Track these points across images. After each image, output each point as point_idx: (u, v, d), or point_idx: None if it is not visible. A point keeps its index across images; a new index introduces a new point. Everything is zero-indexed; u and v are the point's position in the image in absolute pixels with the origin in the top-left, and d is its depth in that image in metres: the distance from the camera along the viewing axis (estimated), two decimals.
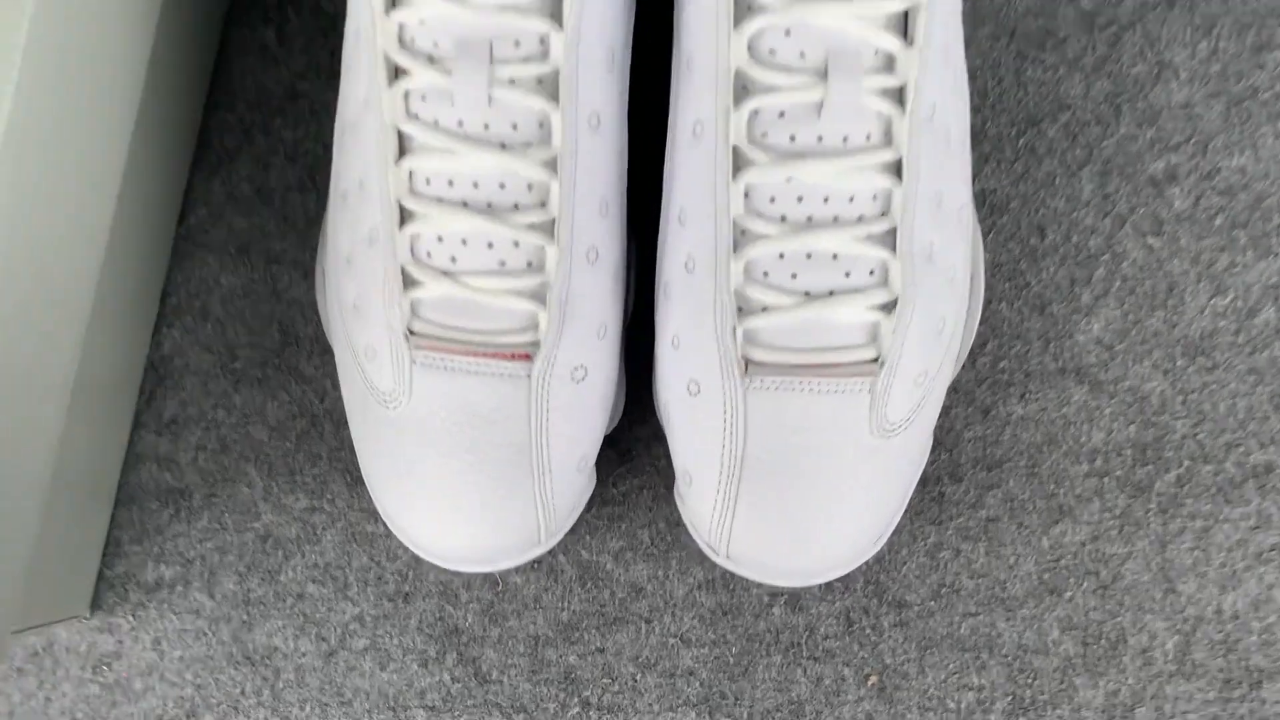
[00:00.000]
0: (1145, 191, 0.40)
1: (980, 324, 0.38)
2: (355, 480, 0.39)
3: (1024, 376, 0.39)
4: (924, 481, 0.38)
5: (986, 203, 0.40)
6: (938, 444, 0.38)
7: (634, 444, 0.39)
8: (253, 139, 0.41)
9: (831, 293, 0.32)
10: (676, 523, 0.38)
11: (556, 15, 0.32)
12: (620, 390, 0.37)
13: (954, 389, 0.39)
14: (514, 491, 0.33)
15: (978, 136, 0.39)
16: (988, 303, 0.39)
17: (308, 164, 0.41)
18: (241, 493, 0.39)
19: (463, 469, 0.33)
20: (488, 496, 0.33)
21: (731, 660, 0.38)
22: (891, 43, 0.31)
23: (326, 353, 0.39)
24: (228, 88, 0.42)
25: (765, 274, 0.32)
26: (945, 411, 0.38)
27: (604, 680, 0.38)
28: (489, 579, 0.38)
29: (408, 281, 0.33)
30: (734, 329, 0.32)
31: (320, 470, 0.39)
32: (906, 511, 0.38)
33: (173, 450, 0.39)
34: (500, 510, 0.33)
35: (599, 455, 0.39)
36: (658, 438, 0.39)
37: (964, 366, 0.39)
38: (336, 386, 0.39)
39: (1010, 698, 0.37)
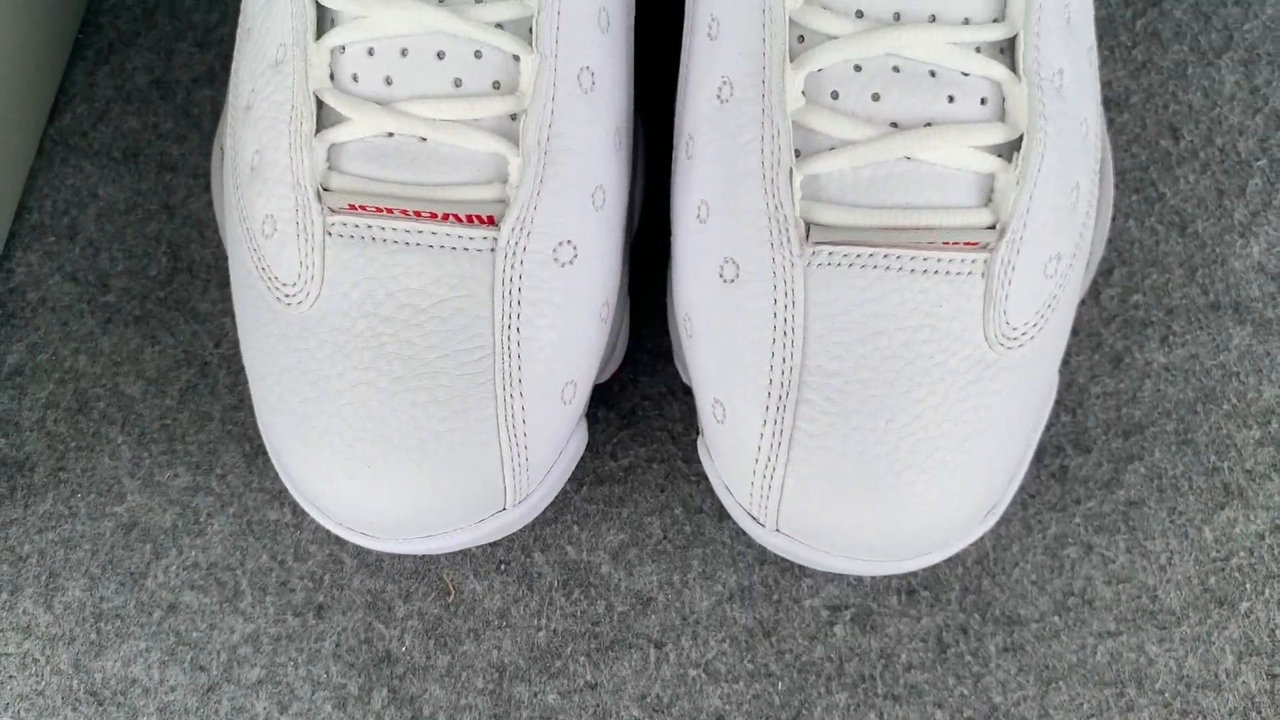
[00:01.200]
0: None
1: (1106, 240, 0.28)
2: (256, 450, 0.29)
3: (1165, 314, 0.29)
4: (1039, 453, 0.28)
5: (1101, 97, 0.31)
6: (1056, 402, 0.28)
7: (640, 404, 0.29)
8: (154, 22, 0.33)
9: (929, 124, 0.22)
10: (698, 509, 0.28)
11: None
12: (623, 311, 0.27)
13: (1072, 330, 0.29)
14: (468, 421, 0.23)
15: None
16: (1111, 219, 0.29)
17: (222, 52, 0.32)
18: (102, 465, 0.29)
19: (392, 388, 0.23)
20: (428, 428, 0.23)
21: (777, 700, 0.27)
22: None
23: (229, 285, 0.29)
24: None
25: (834, 95, 0.22)
26: (1063, 359, 0.28)
27: None
28: (435, 586, 0.28)
29: (325, 117, 0.23)
30: (790, 174, 0.22)
31: (209, 436, 0.29)
32: (1018, 493, 0.27)
33: (14, 409, 0.29)
34: (447, 450, 0.23)
35: (592, 414, 0.28)
36: (673, 393, 0.29)
37: (1084, 300, 0.29)
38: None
39: None
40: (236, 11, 0.33)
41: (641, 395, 0.30)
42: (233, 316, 0.30)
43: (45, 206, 0.31)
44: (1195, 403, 0.29)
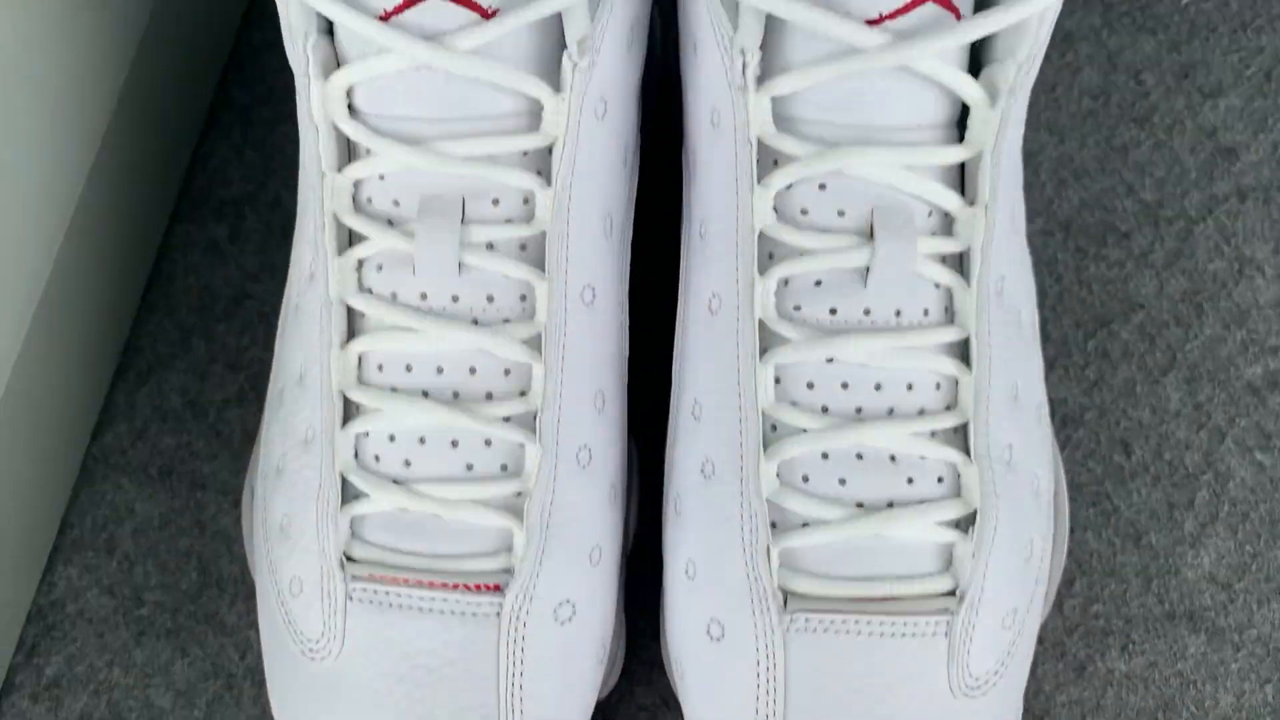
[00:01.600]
0: (1244, 400, 0.34)
1: (1065, 558, 0.31)
2: None
3: (1124, 623, 0.32)
4: None
5: (1058, 414, 0.34)
6: (1024, 710, 0.30)
7: (636, 715, 0.31)
8: (190, 345, 0.36)
9: (891, 504, 0.25)
10: None
11: (544, 170, 0.27)
12: (619, 638, 0.30)
13: (1038, 639, 0.31)
14: None
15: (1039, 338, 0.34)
16: (1070, 532, 0.32)
17: (252, 374, 0.36)
18: None
19: None
20: None
21: None
22: (949, 199, 0.26)
23: (254, 597, 0.32)
24: (167, 288, 0.37)
25: (805, 479, 0.25)
26: (1030, 669, 0.30)
27: None
28: None
29: (349, 493, 0.26)
30: (767, 550, 0.25)
31: None
32: None
33: None
34: None
35: None
36: (668, 704, 0.31)
37: (1049, 611, 0.32)
38: None
39: None
40: (266, 334, 0.36)
41: (637, 706, 0.32)
42: (256, 629, 0.33)
43: (86, 522, 0.34)
44: (1156, 711, 0.31)
